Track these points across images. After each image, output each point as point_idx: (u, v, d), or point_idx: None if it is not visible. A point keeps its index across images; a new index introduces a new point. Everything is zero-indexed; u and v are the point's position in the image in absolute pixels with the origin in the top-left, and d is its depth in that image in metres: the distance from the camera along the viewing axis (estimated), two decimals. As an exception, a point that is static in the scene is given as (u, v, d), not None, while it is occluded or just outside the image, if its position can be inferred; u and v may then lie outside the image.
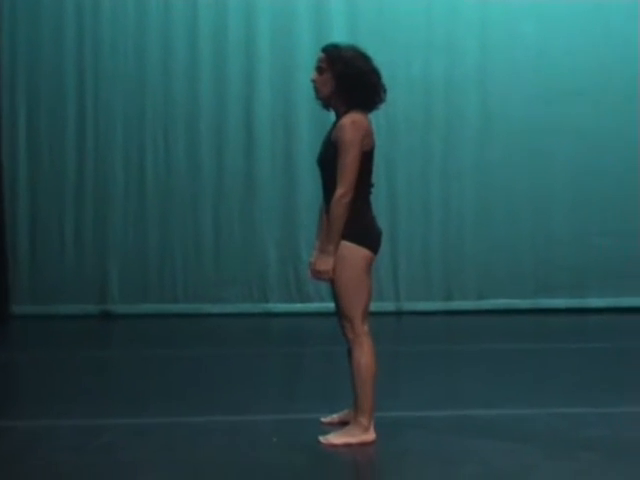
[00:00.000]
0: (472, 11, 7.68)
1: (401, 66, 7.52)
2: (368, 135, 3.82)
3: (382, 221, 4.04)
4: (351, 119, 3.80)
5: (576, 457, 3.70)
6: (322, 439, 3.90)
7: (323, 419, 4.17)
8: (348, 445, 3.84)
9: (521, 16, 7.69)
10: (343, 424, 4.02)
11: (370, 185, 3.91)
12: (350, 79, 3.84)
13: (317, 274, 3.82)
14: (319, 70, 3.90)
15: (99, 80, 7.62)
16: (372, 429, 3.89)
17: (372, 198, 3.95)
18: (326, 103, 3.95)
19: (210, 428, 4.15)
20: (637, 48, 7.65)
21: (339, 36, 6.72)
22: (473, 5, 7.68)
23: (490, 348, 6.23)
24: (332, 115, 4.00)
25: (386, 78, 3.92)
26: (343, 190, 3.76)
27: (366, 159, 3.82)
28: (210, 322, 7.45)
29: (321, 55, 3.92)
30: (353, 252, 3.81)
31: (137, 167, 7.67)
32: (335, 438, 3.89)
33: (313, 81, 3.93)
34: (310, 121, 7.46)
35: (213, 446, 3.88)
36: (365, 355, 3.85)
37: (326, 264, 3.78)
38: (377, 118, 3.93)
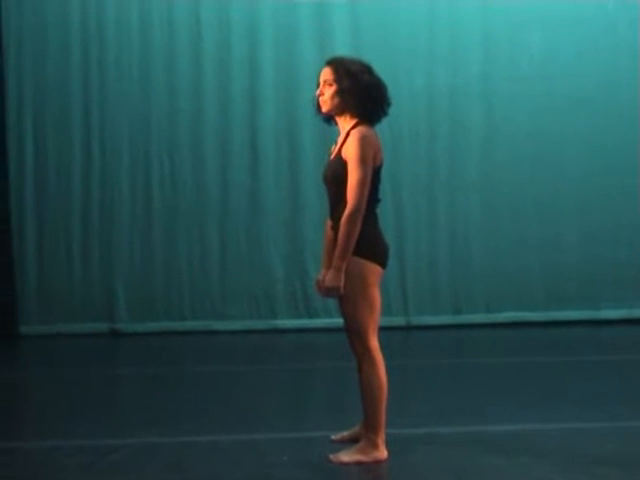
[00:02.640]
0: (475, 20, 7.67)
1: (404, 77, 7.50)
2: (378, 150, 3.80)
3: (389, 235, 4.00)
4: (361, 134, 3.77)
5: (591, 472, 3.64)
6: (332, 457, 3.85)
7: (333, 437, 4.12)
8: (359, 463, 3.79)
9: (524, 24, 7.67)
10: (353, 441, 3.96)
11: (377, 200, 3.88)
12: (357, 93, 3.81)
13: (327, 290, 3.77)
14: (325, 84, 3.87)
15: (104, 99, 7.62)
16: (383, 446, 3.84)
17: (378, 212, 3.91)
18: (330, 118, 3.92)
19: (219, 447, 4.10)
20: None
21: (342, 49, 6.69)
22: (476, 14, 7.66)
23: (501, 361, 6.17)
24: (336, 130, 3.96)
25: (390, 90, 3.90)
26: (355, 206, 3.72)
27: (375, 174, 3.79)
28: (217, 339, 7.41)
29: (326, 69, 3.88)
30: (363, 267, 3.77)
31: (143, 185, 7.66)
32: (346, 456, 3.84)
33: (318, 96, 3.89)
34: (314, 137, 7.43)
35: (222, 465, 3.83)
36: (376, 371, 3.80)
37: (336, 280, 3.73)
38: (381, 130, 3.90)
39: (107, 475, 3.73)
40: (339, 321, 4.00)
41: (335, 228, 3.85)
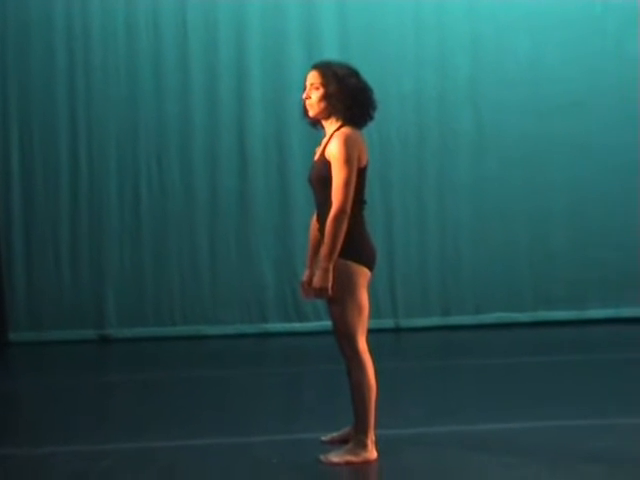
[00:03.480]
0: (462, 24, 7.69)
1: (392, 82, 7.53)
2: (362, 151, 3.83)
3: (378, 238, 4.04)
4: (345, 135, 3.80)
5: (578, 469, 3.69)
6: (322, 458, 3.88)
7: (323, 438, 4.15)
8: (349, 464, 3.82)
9: (512, 28, 7.70)
10: (343, 442, 3.99)
11: (363, 202, 3.91)
12: (344, 97, 3.84)
13: (316, 292, 3.78)
14: (312, 87, 3.89)
15: (91, 103, 7.61)
16: (373, 447, 3.87)
17: (368, 215, 3.94)
18: (316, 121, 3.95)
19: (209, 450, 4.13)
20: (633, 58, 7.67)
21: (330, 53, 6.72)
22: (463, 18, 7.68)
23: (489, 362, 6.21)
24: (323, 133, 4.00)
25: (378, 94, 3.93)
26: (341, 206, 3.75)
27: (360, 176, 3.82)
28: (208, 344, 7.42)
29: (313, 72, 3.91)
30: (351, 270, 3.80)
31: (131, 190, 7.66)
32: (336, 457, 3.87)
33: (305, 99, 3.92)
34: (303, 139, 7.44)
35: (213, 468, 3.85)
36: (365, 373, 3.83)
37: (324, 281, 3.75)
38: (370, 135, 3.95)
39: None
40: (329, 324, 4.03)
41: (321, 230, 3.88)
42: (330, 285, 3.75)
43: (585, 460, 3.79)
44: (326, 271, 3.75)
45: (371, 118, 3.92)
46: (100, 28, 7.59)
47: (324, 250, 3.76)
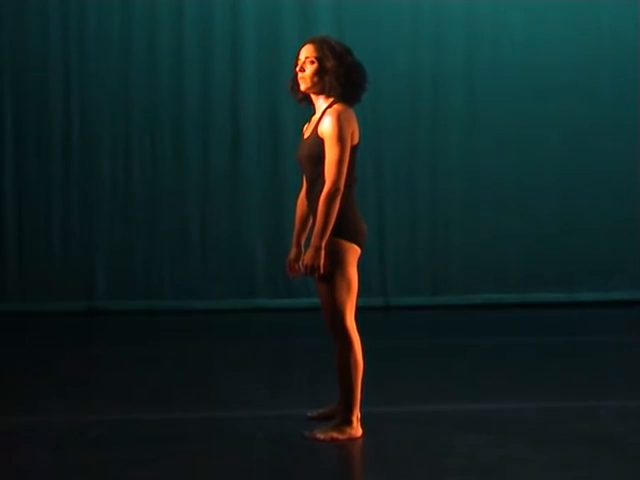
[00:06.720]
0: (458, 3, 7.67)
1: (387, 61, 7.51)
2: (355, 129, 3.81)
3: (370, 216, 4.04)
4: (338, 112, 3.77)
5: (563, 450, 3.70)
6: (307, 434, 3.88)
7: (309, 414, 4.16)
8: (334, 440, 3.83)
9: (509, 8, 7.69)
10: (329, 418, 4.00)
11: (354, 180, 3.89)
12: (340, 73, 3.80)
13: (307, 269, 3.76)
14: (307, 61, 3.84)
15: (85, 78, 7.60)
16: (358, 424, 3.88)
17: (359, 193, 3.93)
18: (305, 96, 3.91)
19: (196, 424, 4.13)
20: (630, 38, 7.65)
21: (325, 31, 6.67)
22: (459, -4, 7.68)
23: (477, 343, 6.23)
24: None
25: (372, 73, 3.92)
26: (334, 184, 3.72)
27: (352, 154, 3.80)
28: (197, 318, 7.43)
29: (309, 46, 3.86)
30: (341, 247, 3.79)
31: (124, 163, 7.65)
32: (321, 433, 3.88)
33: (298, 72, 3.87)
34: (296, 116, 7.38)
35: (198, 442, 3.86)
36: (352, 350, 3.83)
37: (316, 259, 3.73)
38: (364, 112, 3.92)
39: (84, 452, 3.75)
40: (318, 301, 4.02)
41: (312, 207, 3.86)
42: (322, 262, 3.73)
43: (571, 441, 3.81)
44: (318, 249, 3.73)
45: (359, 100, 3.88)
46: (95, 4, 7.55)
47: (317, 228, 3.75)
